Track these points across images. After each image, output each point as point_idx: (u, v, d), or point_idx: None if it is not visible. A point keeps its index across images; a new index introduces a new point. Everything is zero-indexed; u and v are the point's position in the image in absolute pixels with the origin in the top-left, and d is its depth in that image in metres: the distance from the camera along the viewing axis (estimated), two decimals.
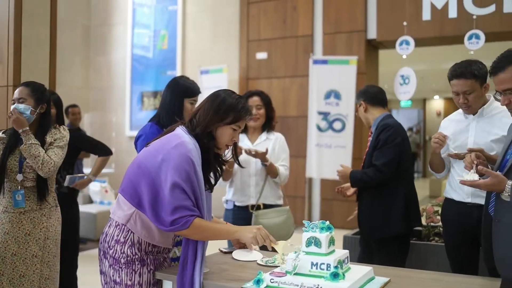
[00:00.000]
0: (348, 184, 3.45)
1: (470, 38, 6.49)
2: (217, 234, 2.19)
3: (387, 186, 3.26)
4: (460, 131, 2.94)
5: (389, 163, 3.21)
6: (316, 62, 7.09)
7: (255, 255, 2.45)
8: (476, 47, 6.42)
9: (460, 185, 2.78)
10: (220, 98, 2.22)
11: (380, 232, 3.28)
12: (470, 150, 2.58)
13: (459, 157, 2.74)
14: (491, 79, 2.34)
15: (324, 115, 6.94)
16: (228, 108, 2.19)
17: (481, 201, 2.69)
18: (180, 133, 2.18)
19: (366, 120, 3.47)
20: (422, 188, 13.77)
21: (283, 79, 7.71)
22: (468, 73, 2.76)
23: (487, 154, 2.63)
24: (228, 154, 2.35)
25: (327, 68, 7.01)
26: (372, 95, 3.42)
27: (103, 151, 3.97)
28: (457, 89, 2.81)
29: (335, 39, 7.39)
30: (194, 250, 2.14)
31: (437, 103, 17.85)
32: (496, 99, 2.39)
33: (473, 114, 2.90)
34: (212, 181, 2.34)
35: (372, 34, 7.27)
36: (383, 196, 3.28)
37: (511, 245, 2.18)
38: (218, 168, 2.34)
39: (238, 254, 2.46)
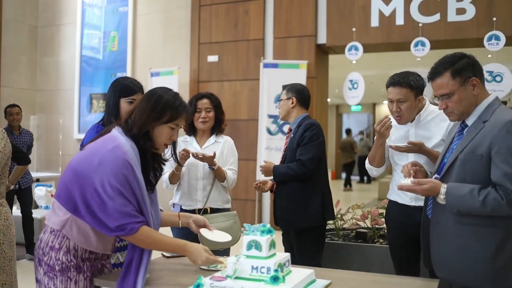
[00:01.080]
0: (266, 179, 3.64)
1: (416, 45, 6.69)
2: (163, 247, 2.15)
3: (307, 181, 3.48)
4: (401, 137, 3.00)
5: (313, 159, 3.45)
6: (266, 66, 7.12)
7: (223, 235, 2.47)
8: (422, 54, 6.61)
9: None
10: (156, 96, 2.15)
11: (299, 223, 3.48)
12: (410, 143, 2.74)
13: (399, 149, 2.84)
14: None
15: (275, 118, 6.98)
16: (164, 106, 2.13)
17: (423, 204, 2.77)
18: (116, 135, 2.10)
19: (287, 114, 3.64)
20: (371, 191, 14.03)
21: (234, 82, 7.72)
22: (404, 82, 2.84)
23: (426, 148, 2.79)
24: (167, 153, 2.30)
25: (277, 72, 7.05)
26: (304, 97, 3.65)
27: (23, 160, 3.88)
28: (392, 97, 2.88)
29: (285, 43, 7.45)
30: (140, 254, 2.09)
31: (386, 108, 18.14)
32: (435, 104, 2.46)
33: (411, 121, 2.97)
34: (154, 181, 2.28)
35: (322, 39, 7.36)
36: (303, 190, 3.49)
37: (447, 247, 2.24)
38: (159, 168, 2.28)
39: (205, 232, 2.43)
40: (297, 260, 3.30)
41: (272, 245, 2.04)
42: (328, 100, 14.53)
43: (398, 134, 3.03)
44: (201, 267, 2.35)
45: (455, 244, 2.22)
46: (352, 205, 4.16)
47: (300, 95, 3.63)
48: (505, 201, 2.07)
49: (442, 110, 2.54)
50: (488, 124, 2.19)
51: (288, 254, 2.12)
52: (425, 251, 2.45)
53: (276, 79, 6.96)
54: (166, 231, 2.46)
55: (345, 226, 4.10)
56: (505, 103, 15.78)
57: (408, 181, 2.26)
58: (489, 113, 2.24)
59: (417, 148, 2.78)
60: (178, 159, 2.93)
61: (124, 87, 2.76)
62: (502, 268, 2.15)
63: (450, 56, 2.32)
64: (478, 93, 2.27)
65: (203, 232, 2.38)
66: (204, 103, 3.51)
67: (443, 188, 2.18)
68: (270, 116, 7.07)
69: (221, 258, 2.18)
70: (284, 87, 3.72)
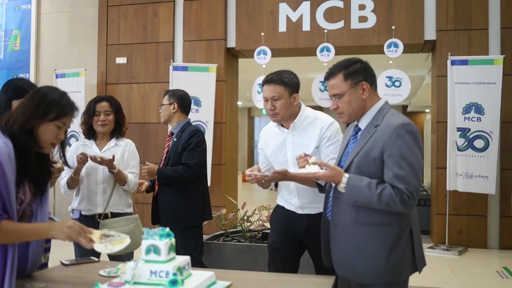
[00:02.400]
0: (142, 180, 3.75)
1: (322, 50, 6.93)
2: (28, 235, 2.04)
3: (191, 183, 3.72)
4: (279, 146, 3.01)
5: (199, 164, 3.70)
6: (176, 68, 7.09)
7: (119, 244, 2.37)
8: (328, 59, 6.85)
9: (290, 197, 3.00)
10: (41, 94, 2.10)
11: (182, 222, 3.69)
12: (274, 172, 2.69)
13: (264, 179, 2.78)
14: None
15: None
16: (50, 104, 2.07)
17: (311, 211, 2.91)
18: None
19: (168, 119, 3.86)
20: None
21: (143, 85, 7.60)
22: (278, 79, 2.87)
23: (290, 175, 2.72)
24: (56, 155, 2.23)
25: (187, 75, 7.03)
26: (185, 103, 3.88)
27: None
28: (266, 95, 2.90)
29: (195, 46, 7.45)
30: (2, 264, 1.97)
31: None
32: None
33: (287, 128, 2.97)
34: (42, 183, 2.18)
35: (231, 43, 7.43)
36: (185, 191, 3.72)
37: (347, 247, 2.35)
38: (46, 169, 2.20)
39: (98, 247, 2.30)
40: None
41: (172, 248, 2.03)
42: (240, 103, 14.77)
43: (275, 142, 3.03)
44: (100, 273, 2.30)
45: (354, 243, 2.32)
46: (258, 206, 4.24)
47: (182, 101, 3.84)
48: (398, 198, 2.19)
49: (315, 116, 2.70)
50: (380, 128, 2.31)
51: (188, 257, 2.12)
52: (325, 250, 2.53)
53: (185, 82, 6.94)
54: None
55: (251, 227, 4.17)
56: (405, 107, 16.68)
57: (315, 168, 2.33)
58: (380, 118, 2.35)
59: (281, 175, 2.70)
60: (76, 163, 2.86)
61: (17, 88, 2.66)
62: (396, 264, 2.28)
63: (346, 60, 2.44)
64: (368, 98, 2.38)
65: (96, 247, 2.16)
66: (103, 106, 3.45)
67: (345, 177, 2.27)
68: None
69: (95, 235, 2.08)
70: (167, 92, 3.89)
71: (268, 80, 2.91)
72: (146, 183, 3.75)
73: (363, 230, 2.31)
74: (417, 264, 2.38)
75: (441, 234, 6.71)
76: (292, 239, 2.98)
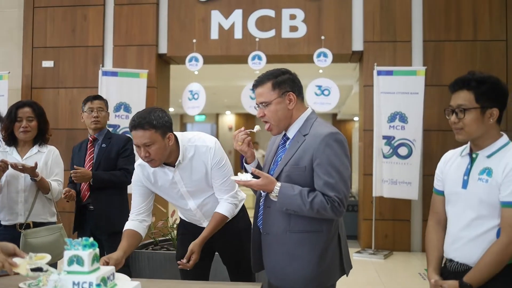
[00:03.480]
0: (68, 188, 3.62)
1: (253, 58, 7.00)
2: None
3: (125, 188, 3.78)
4: (169, 183, 2.79)
5: (133, 169, 3.56)
6: (106, 73, 6.93)
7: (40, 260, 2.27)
8: (259, 67, 6.92)
9: (191, 220, 3.00)
10: None
11: (118, 226, 3.35)
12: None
13: None
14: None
15: (114, 127, 6.81)
16: None
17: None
18: None
19: (104, 126, 3.92)
20: None
21: (71, 89, 7.38)
22: (146, 123, 2.51)
23: None
24: None
25: (117, 80, 6.90)
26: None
27: None
28: (137, 142, 2.54)
29: (126, 51, 7.32)
30: None
31: (228, 118, 18.80)
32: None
33: (172, 166, 2.73)
34: None
35: (163, 49, 7.36)
36: (121, 195, 3.76)
37: (279, 255, 2.38)
38: None
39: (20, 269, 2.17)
40: None
41: (96, 259, 1.99)
42: (172, 109, 14.65)
43: (163, 180, 2.78)
44: (20, 286, 2.22)
45: (285, 251, 2.36)
46: None
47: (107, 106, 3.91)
48: (329, 206, 2.25)
49: (195, 145, 2.70)
50: (308, 137, 2.36)
51: (112, 268, 2.09)
52: (254, 259, 2.56)
53: (115, 87, 6.82)
54: None
55: None
56: (335, 115, 17.11)
57: (247, 176, 2.35)
58: (308, 127, 2.40)
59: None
60: None
61: None
62: (326, 269, 2.35)
63: (276, 69, 2.47)
64: (295, 108, 2.43)
65: (19, 270, 2.06)
66: (26, 111, 3.34)
67: (277, 186, 2.30)
68: (109, 126, 6.88)
69: (21, 268, 2.00)
70: (102, 99, 3.98)
71: (135, 126, 2.52)
72: (73, 191, 3.64)
73: (294, 238, 2.35)
74: (345, 267, 2.46)
75: (368, 238, 6.92)
76: (201, 248, 2.80)
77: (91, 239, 1.99)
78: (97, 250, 2.00)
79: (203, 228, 2.81)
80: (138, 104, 6.85)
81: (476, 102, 2.15)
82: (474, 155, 2.23)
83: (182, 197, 2.81)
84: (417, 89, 6.46)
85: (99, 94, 6.86)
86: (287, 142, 2.47)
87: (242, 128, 2.49)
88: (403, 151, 6.50)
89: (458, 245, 2.22)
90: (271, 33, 7.14)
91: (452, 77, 2.29)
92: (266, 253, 2.45)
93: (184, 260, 2.60)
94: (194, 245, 2.66)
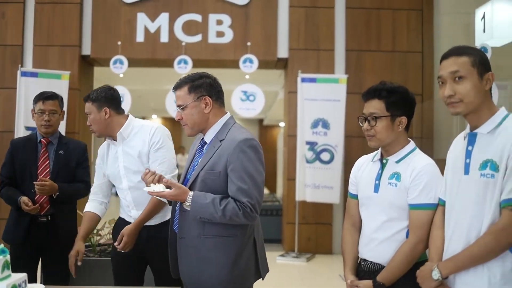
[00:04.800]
0: (26, 198, 3.35)
1: (179, 62, 6.97)
2: None
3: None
4: (113, 158, 3.06)
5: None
6: (25, 74, 6.65)
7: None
8: (185, 71, 6.90)
9: (128, 210, 3.05)
10: None
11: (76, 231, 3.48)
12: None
13: None
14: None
15: (33, 130, 6.55)
16: None
17: (150, 222, 2.94)
18: None
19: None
20: None
21: None
22: (88, 97, 3.01)
23: None
24: None
25: (37, 81, 6.64)
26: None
27: None
28: (87, 111, 3.01)
29: (47, 52, 7.07)
30: None
31: (155, 122, 18.57)
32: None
33: (115, 140, 3.04)
34: None
35: (86, 50, 7.17)
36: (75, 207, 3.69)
37: (194, 259, 2.40)
38: None
39: None
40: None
41: (6, 266, 1.93)
42: None
43: (111, 156, 3.09)
44: None
45: (200, 255, 2.38)
46: (108, 220, 4.13)
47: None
48: (241, 212, 2.28)
49: (142, 125, 2.95)
50: (225, 142, 2.39)
51: (24, 275, 2.02)
52: (172, 262, 2.57)
53: (35, 89, 6.52)
54: None
55: (101, 241, 4.05)
56: (262, 120, 17.31)
57: (160, 187, 2.34)
58: (225, 132, 2.44)
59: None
60: None
61: None
62: (241, 272, 2.38)
63: (195, 73, 2.51)
64: (212, 112, 2.46)
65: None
66: None
67: (189, 196, 2.31)
68: (28, 129, 6.63)
69: None
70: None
71: (83, 99, 3.06)
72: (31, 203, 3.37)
73: (209, 242, 2.37)
74: (261, 271, 2.50)
75: (291, 242, 7.06)
76: (134, 252, 2.94)
77: (2, 245, 1.93)
78: (8, 257, 1.93)
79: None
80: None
81: (387, 110, 2.28)
82: (384, 161, 2.35)
83: (119, 174, 3.00)
84: (339, 97, 6.68)
85: (17, 95, 6.64)
86: (205, 147, 2.50)
87: (147, 170, 2.46)
88: (325, 156, 6.69)
89: (371, 246, 2.33)
90: (198, 37, 7.15)
91: (372, 85, 2.41)
92: (181, 257, 2.46)
93: (116, 243, 2.84)
94: (125, 229, 2.87)
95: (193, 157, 2.56)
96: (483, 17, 6.04)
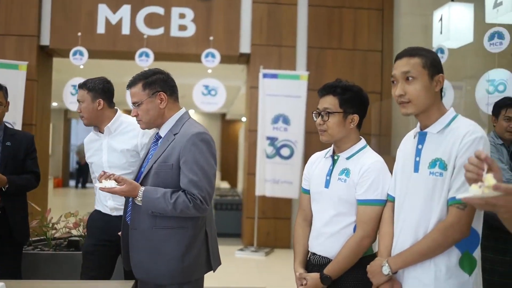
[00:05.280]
0: None
1: (141, 55, 6.90)
2: None
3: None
4: (97, 150, 3.15)
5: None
6: None
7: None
8: (146, 64, 6.84)
9: (105, 200, 3.10)
10: None
11: (26, 234, 3.51)
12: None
13: None
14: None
15: None
16: None
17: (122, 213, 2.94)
18: None
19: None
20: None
21: None
22: (83, 85, 3.13)
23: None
24: None
25: None
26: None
27: None
28: (77, 98, 3.14)
29: (3, 41, 6.89)
30: None
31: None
32: None
33: (103, 133, 3.12)
34: None
35: (45, 40, 7.03)
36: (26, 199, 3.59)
37: (144, 250, 2.43)
38: None
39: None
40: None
41: None
42: (55, 104, 14.02)
43: (95, 147, 3.19)
44: None
45: (151, 246, 2.42)
46: (65, 213, 4.10)
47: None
48: (192, 204, 2.34)
49: (130, 122, 2.96)
50: (178, 136, 2.45)
51: None
52: (124, 254, 2.59)
53: None
54: None
55: (57, 235, 4.01)
56: (224, 115, 17.32)
57: (112, 183, 2.37)
58: (179, 126, 2.50)
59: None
60: None
61: None
62: (191, 264, 2.43)
63: (147, 70, 2.55)
64: (167, 107, 2.51)
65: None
66: None
67: (141, 191, 2.36)
68: None
69: None
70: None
71: (78, 86, 3.15)
72: None
73: (160, 234, 2.41)
74: (212, 264, 2.56)
75: (251, 236, 7.12)
76: (107, 243, 3.03)
77: None
78: None
79: (109, 217, 3.05)
80: (16, 96, 6.49)
81: (340, 107, 2.34)
82: (336, 157, 2.41)
83: (102, 166, 3.07)
84: (300, 93, 6.75)
85: None
86: (159, 141, 2.54)
87: (102, 173, 2.49)
88: (285, 151, 6.76)
89: (320, 240, 2.38)
90: (160, 30, 7.10)
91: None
92: (133, 248, 2.50)
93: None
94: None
95: (148, 151, 2.60)
96: (441, 19, 6.20)
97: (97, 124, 3.12)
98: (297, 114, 6.75)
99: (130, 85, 2.52)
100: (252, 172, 7.09)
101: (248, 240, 7.20)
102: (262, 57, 7.15)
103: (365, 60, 7.26)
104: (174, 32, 7.11)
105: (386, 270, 2.01)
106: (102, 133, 3.11)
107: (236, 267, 6.17)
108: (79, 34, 6.94)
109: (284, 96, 6.77)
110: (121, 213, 2.93)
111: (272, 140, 6.77)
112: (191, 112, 16.37)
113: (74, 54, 6.86)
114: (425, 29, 6.78)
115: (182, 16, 7.12)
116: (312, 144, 7.07)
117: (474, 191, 1.37)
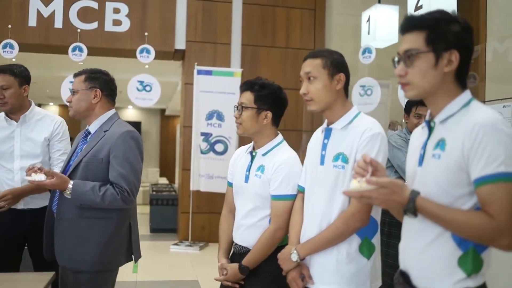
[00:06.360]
0: None
1: (74, 50, 6.80)
2: None
3: None
4: (5, 137, 3.17)
5: None
6: None
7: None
8: (80, 59, 6.76)
9: (3, 187, 3.11)
10: None
11: None
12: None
13: None
14: None
15: None
16: None
17: (34, 206, 3.08)
18: None
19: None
20: None
21: None
22: (8, 70, 3.14)
23: None
24: None
25: None
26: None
27: None
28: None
29: None
30: None
31: (52, 109, 17.87)
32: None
33: (16, 121, 3.18)
34: None
35: None
36: None
37: (70, 238, 2.54)
38: None
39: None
40: None
41: None
42: None
43: (2, 135, 3.20)
44: None
45: (76, 235, 2.53)
46: None
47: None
48: (120, 196, 2.49)
49: (45, 114, 3.15)
50: (108, 133, 2.61)
51: None
52: (47, 243, 2.67)
53: None
54: None
55: None
56: (164, 110, 17.20)
57: (41, 176, 2.45)
58: (109, 124, 2.67)
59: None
60: None
61: None
62: (113, 253, 2.58)
63: (97, 69, 2.76)
64: (100, 104, 2.71)
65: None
66: None
67: (70, 184, 2.48)
68: None
69: None
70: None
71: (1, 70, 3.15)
72: None
73: (85, 223, 2.53)
74: (134, 254, 2.69)
75: (186, 231, 7.19)
76: (14, 237, 3.06)
77: None
78: None
79: (17, 211, 3.04)
80: None
81: (255, 103, 2.48)
82: (254, 153, 2.55)
83: (12, 154, 3.10)
84: (234, 90, 6.87)
85: None
86: (89, 136, 2.68)
87: (30, 166, 2.57)
88: (219, 147, 6.87)
89: (240, 231, 2.53)
90: (94, 25, 7.03)
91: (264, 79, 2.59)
92: (57, 236, 2.59)
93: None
94: (10, 190, 2.98)
95: (77, 146, 2.72)
96: (368, 20, 6.47)
97: (17, 111, 3.16)
98: (231, 111, 6.79)
99: (76, 74, 2.72)
100: (187, 167, 7.17)
101: (183, 235, 7.27)
102: (197, 54, 7.23)
103: (297, 58, 7.44)
104: (108, 27, 7.07)
105: (294, 257, 2.15)
106: (16, 121, 3.16)
107: (170, 261, 6.23)
108: (9, 26, 6.78)
109: (218, 92, 6.88)
110: (31, 206, 3.08)
111: (206, 136, 6.86)
112: (130, 108, 16.20)
113: (4, 47, 6.68)
114: (355, 29, 7.04)
115: (116, 10, 7.09)
116: (246, 140, 7.16)
117: (353, 185, 1.53)
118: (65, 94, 6.89)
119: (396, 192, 1.50)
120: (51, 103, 17.35)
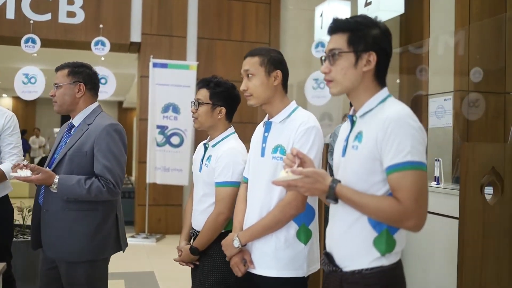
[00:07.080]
0: None
1: (27, 41, 6.70)
2: None
3: None
4: None
5: None
6: None
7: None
8: (33, 50, 6.67)
9: None
10: None
11: None
12: None
13: None
14: None
15: None
16: None
17: None
18: None
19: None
20: None
21: None
22: None
23: None
24: None
25: None
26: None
27: None
28: None
29: None
30: None
31: (6, 101, 17.55)
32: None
33: None
34: None
35: None
36: None
37: (56, 230, 2.61)
38: None
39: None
40: None
41: None
42: None
43: None
44: None
45: (63, 226, 2.60)
46: None
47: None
48: (105, 189, 2.57)
49: None
50: (92, 126, 2.68)
51: None
52: (33, 234, 2.73)
53: None
54: None
55: None
56: (121, 102, 17.07)
57: (27, 172, 2.51)
58: (92, 118, 2.73)
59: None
60: None
61: None
62: (100, 243, 2.64)
63: (80, 62, 2.80)
64: (83, 98, 2.75)
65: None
66: None
67: (56, 179, 2.55)
68: None
69: None
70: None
71: None
72: None
73: (72, 215, 2.60)
74: (121, 244, 2.79)
75: (142, 223, 7.24)
76: None
77: None
78: None
79: None
80: None
81: (210, 99, 2.63)
82: (207, 145, 2.72)
83: None
84: (189, 83, 6.93)
85: None
86: (72, 130, 2.75)
87: (16, 163, 2.61)
88: (175, 140, 6.93)
89: (194, 216, 2.71)
90: (47, 16, 6.96)
91: (222, 72, 2.72)
92: (44, 228, 2.65)
93: None
94: None
95: (61, 139, 2.78)
96: (321, 14, 6.62)
97: None
98: (186, 104, 6.89)
99: (58, 68, 2.75)
100: (143, 160, 7.19)
101: (140, 227, 7.31)
102: (152, 47, 7.24)
103: None
104: (62, 18, 7.00)
105: (236, 243, 2.27)
106: None
107: (126, 253, 6.19)
108: None
109: (174, 85, 6.92)
110: None
111: (162, 129, 6.90)
112: None
113: None
114: (309, 23, 7.20)
115: (70, 2, 7.03)
116: (202, 132, 7.20)
117: (281, 175, 1.65)
118: (19, 86, 6.82)
119: (319, 181, 1.63)
120: (4, 95, 17.01)
